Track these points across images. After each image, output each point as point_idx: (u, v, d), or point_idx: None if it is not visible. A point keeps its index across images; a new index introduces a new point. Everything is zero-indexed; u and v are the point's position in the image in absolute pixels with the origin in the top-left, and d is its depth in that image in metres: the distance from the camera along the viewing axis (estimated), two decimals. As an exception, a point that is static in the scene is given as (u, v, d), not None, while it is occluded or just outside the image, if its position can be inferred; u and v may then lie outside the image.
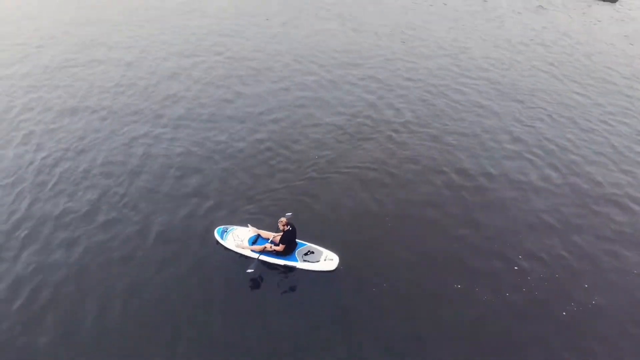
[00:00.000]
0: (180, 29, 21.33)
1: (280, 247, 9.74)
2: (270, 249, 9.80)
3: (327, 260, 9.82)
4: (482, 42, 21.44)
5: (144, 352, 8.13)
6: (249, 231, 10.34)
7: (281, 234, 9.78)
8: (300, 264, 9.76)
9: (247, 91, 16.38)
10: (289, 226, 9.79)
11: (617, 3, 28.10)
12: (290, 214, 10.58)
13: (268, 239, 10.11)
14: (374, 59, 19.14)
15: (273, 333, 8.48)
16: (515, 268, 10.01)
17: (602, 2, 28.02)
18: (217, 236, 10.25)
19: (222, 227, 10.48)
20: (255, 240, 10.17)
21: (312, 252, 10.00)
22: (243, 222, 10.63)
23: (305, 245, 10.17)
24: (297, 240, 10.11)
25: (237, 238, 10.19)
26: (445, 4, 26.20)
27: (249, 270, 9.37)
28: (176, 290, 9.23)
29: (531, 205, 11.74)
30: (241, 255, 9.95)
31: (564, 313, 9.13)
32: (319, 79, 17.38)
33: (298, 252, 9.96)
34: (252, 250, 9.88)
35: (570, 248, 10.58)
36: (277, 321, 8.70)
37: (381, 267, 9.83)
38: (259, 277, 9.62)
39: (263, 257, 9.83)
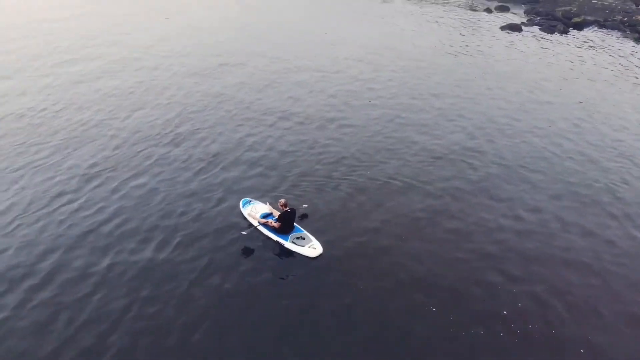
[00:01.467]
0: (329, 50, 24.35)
1: (276, 224, 11.11)
2: (269, 224, 11.25)
3: (310, 248, 10.78)
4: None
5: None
6: (266, 207, 11.96)
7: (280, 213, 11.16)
8: (288, 244, 10.94)
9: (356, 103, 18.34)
10: (287, 208, 11.11)
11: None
12: (306, 205, 11.92)
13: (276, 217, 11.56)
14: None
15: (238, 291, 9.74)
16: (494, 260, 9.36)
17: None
18: (240, 204, 12.15)
19: (249, 199, 12.35)
20: (266, 216, 11.72)
21: (303, 238, 11.08)
22: (270, 199, 12.34)
23: (302, 231, 11.29)
24: (295, 224, 11.31)
25: (254, 210, 11.91)
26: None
27: (243, 232, 11.04)
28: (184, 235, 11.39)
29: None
30: (250, 224, 11.61)
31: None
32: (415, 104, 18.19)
33: (292, 235, 11.15)
34: (258, 221, 11.46)
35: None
36: (245, 283, 9.95)
37: (363, 272, 10.28)
38: (253, 246, 11.03)
39: (261, 228, 11.32)
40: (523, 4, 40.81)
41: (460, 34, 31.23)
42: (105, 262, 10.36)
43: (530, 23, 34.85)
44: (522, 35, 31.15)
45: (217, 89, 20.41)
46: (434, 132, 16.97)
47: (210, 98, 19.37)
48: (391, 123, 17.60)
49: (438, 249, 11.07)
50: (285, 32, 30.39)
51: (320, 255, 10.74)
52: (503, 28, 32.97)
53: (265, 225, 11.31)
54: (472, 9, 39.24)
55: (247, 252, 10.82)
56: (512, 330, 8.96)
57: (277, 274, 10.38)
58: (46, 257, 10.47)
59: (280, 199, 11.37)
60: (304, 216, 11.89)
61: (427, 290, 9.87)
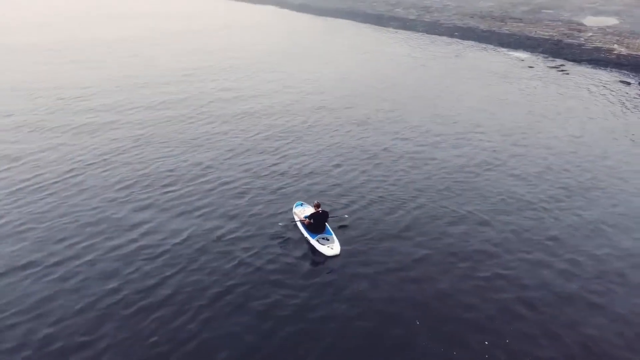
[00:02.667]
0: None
1: (306, 221, 12.74)
2: (304, 221, 12.90)
3: (329, 248, 12.12)
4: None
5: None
6: (312, 210, 13.66)
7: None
8: (312, 241, 12.47)
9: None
10: (319, 209, 12.66)
11: None
12: (346, 216, 13.37)
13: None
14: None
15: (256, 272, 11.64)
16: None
17: None
18: (294, 206, 14.09)
19: (301, 202, 14.24)
20: (308, 216, 13.42)
21: (328, 239, 12.48)
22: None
23: (331, 234, 12.71)
24: (328, 227, 12.76)
25: (302, 211, 13.72)
26: None
27: (280, 224, 12.99)
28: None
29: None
30: (292, 219, 13.47)
31: None
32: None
33: (321, 235, 12.62)
34: (297, 218, 13.24)
35: None
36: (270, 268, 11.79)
37: (375, 280, 11.29)
38: (290, 236, 12.91)
39: (298, 224, 13.04)
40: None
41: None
42: (185, 234, 13.25)
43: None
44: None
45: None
46: (526, 178, 16.46)
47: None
48: (483, 164, 17.64)
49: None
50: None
51: (337, 255, 11.92)
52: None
53: (302, 222, 12.95)
54: None
55: (283, 241, 12.76)
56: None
57: (296, 263, 11.93)
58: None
59: (316, 201, 12.91)
60: (343, 225, 13.21)
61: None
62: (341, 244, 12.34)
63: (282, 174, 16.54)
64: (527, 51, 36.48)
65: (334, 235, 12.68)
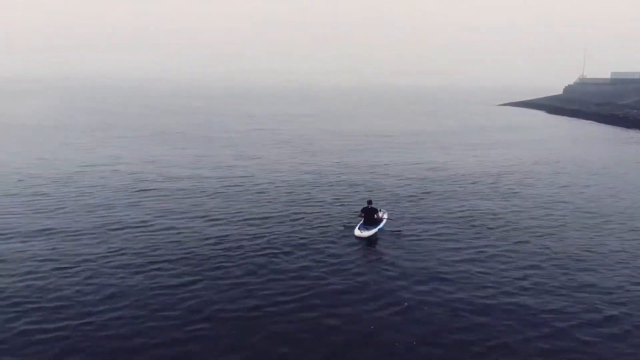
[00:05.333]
0: None
1: (360, 214, 15.35)
2: (360, 215, 15.51)
3: (359, 231, 14.61)
4: None
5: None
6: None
7: (368, 208, 15.44)
8: (356, 228, 14.99)
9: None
10: (368, 205, 15.17)
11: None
12: (401, 229, 15.33)
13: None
14: None
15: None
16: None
17: None
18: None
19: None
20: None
21: (367, 229, 14.80)
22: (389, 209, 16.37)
23: (375, 228, 15.02)
24: (374, 219, 15.03)
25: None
26: None
27: (345, 221, 16.08)
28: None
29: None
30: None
31: None
32: None
33: (366, 225, 15.00)
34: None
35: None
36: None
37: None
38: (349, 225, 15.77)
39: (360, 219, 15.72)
40: None
41: None
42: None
43: None
44: None
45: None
46: None
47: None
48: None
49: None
50: None
51: (361, 238, 14.31)
52: None
53: (359, 216, 15.58)
54: None
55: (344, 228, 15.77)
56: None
57: (340, 245, 14.54)
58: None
59: (370, 199, 15.41)
60: (396, 231, 15.16)
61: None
62: (377, 242, 14.37)
63: None
64: None
65: (375, 228, 14.76)
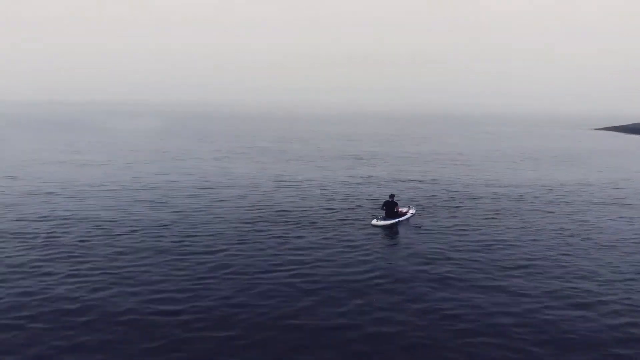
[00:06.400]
0: None
1: (382, 207, 16.44)
2: (383, 208, 16.57)
3: (376, 220, 15.73)
4: None
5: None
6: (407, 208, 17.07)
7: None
8: (375, 218, 16.10)
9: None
10: (390, 199, 16.24)
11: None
12: (421, 226, 16.24)
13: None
14: None
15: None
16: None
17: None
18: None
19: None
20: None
21: (384, 219, 15.85)
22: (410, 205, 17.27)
23: (392, 220, 16.02)
24: (394, 212, 16.12)
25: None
26: None
27: (374, 216, 17.20)
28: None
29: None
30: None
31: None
32: None
33: (385, 217, 16.05)
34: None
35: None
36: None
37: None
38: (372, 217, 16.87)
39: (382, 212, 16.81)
40: None
41: None
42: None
43: None
44: None
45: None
46: None
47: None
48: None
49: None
50: None
51: (376, 226, 15.50)
52: None
53: (382, 209, 16.65)
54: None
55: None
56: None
57: (356, 235, 15.45)
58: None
59: (392, 193, 16.46)
60: (417, 225, 16.02)
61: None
62: (392, 234, 15.41)
63: None
64: None
65: (393, 220, 15.78)
